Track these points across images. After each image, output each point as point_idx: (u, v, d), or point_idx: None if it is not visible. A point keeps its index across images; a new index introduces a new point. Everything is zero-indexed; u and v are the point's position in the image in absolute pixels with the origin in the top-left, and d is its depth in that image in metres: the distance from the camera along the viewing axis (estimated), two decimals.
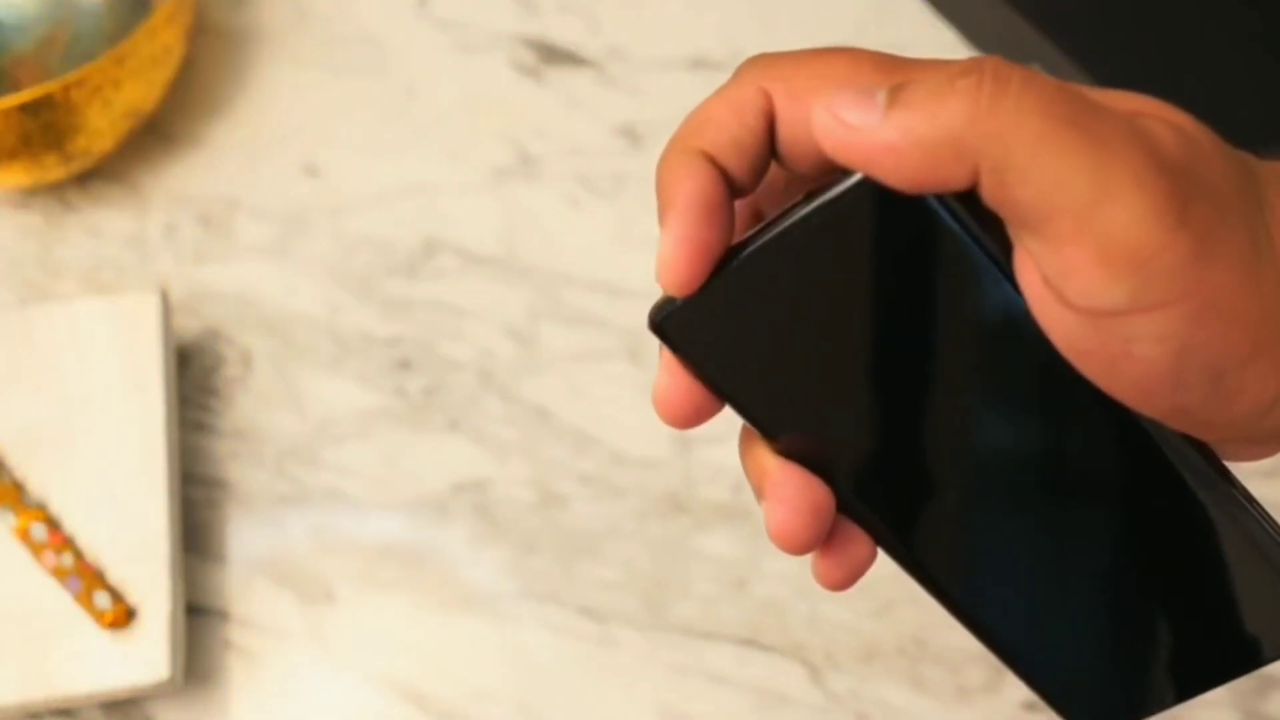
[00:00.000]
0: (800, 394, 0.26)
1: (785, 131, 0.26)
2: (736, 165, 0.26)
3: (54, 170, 0.61)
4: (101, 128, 0.60)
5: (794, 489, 0.27)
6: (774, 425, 0.27)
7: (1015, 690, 0.52)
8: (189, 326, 0.61)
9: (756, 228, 0.25)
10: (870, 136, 0.23)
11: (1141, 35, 0.61)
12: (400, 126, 0.66)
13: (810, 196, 0.24)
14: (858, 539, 0.28)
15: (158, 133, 0.66)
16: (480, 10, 0.69)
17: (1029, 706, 0.51)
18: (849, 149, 0.23)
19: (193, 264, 0.62)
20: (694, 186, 0.25)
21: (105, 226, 0.64)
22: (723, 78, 0.66)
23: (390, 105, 0.67)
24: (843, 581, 0.28)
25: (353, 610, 0.54)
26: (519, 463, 0.57)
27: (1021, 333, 0.24)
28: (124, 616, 0.50)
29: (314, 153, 0.65)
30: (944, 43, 0.66)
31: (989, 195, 0.23)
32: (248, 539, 0.56)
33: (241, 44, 0.69)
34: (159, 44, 0.61)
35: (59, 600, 0.51)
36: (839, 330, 0.25)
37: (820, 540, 0.27)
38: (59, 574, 0.51)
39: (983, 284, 0.24)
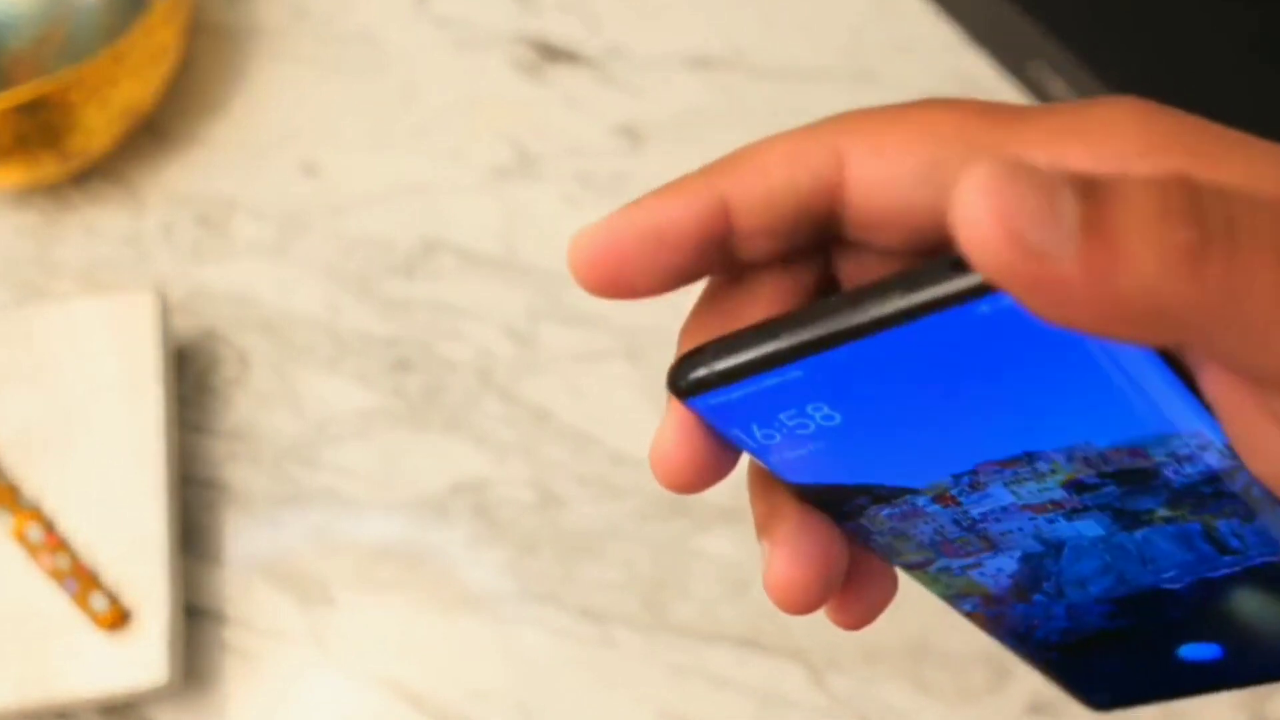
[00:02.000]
0: (851, 462, 0.23)
1: (863, 197, 0.22)
2: (753, 223, 0.22)
3: (51, 169, 0.61)
4: (98, 126, 0.60)
5: (809, 542, 0.23)
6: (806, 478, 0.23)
7: (1018, 692, 0.51)
8: (187, 326, 0.60)
9: (823, 302, 0.21)
10: (1050, 270, 0.17)
11: (1144, 30, 0.61)
12: (399, 125, 0.66)
13: (909, 284, 0.19)
14: (880, 580, 0.25)
15: (155, 132, 0.66)
16: (479, 9, 0.69)
17: (1032, 708, 0.51)
18: (1013, 274, 0.17)
19: (190, 264, 0.62)
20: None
21: (102, 226, 0.63)
22: (723, 76, 0.66)
23: (389, 104, 0.66)
24: (860, 623, 0.25)
25: (351, 611, 0.54)
26: (518, 463, 0.57)
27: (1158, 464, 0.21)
28: (121, 618, 0.50)
29: (312, 152, 0.65)
30: (945, 40, 0.66)
31: (1202, 352, 0.18)
32: (246, 540, 0.55)
33: (239, 43, 0.69)
34: (156, 42, 0.60)
35: (56, 602, 0.51)
36: (919, 421, 0.22)
37: (824, 603, 0.24)
38: (56, 575, 0.51)
39: (1133, 415, 0.20)
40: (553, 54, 0.67)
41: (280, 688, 0.53)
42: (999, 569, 0.25)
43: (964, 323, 0.19)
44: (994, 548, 0.24)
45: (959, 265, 0.19)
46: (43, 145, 0.59)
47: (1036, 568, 0.24)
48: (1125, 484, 0.22)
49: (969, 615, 0.27)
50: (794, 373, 0.21)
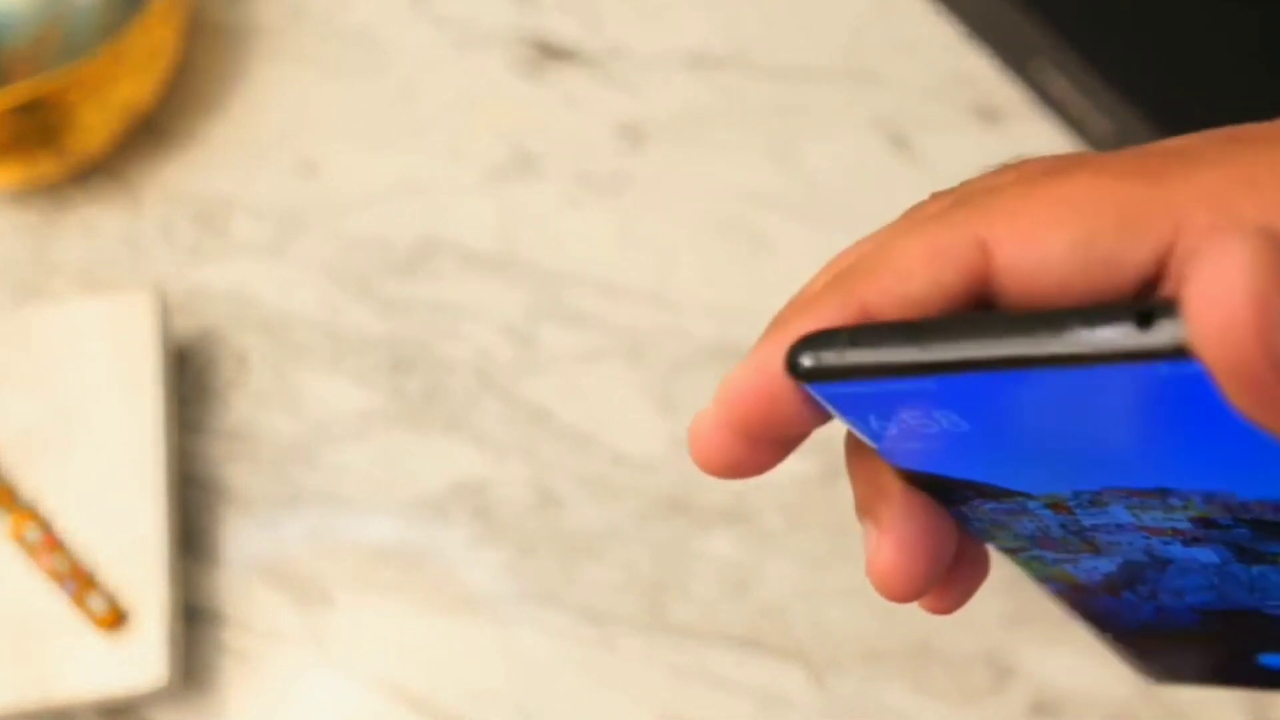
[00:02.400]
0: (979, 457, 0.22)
1: (1015, 283, 0.20)
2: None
3: (49, 169, 0.61)
4: (97, 126, 0.60)
5: (918, 529, 0.22)
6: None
7: (1020, 693, 0.51)
8: (185, 326, 0.60)
9: (978, 317, 0.19)
10: None
11: (1146, 26, 0.61)
12: (398, 124, 0.66)
13: (1086, 324, 0.18)
14: (975, 562, 0.24)
15: (154, 131, 0.66)
16: (479, 7, 0.69)
17: (1035, 709, 0.51)
18: (1241, 375, 0.15)
19: (189, 263, 0.62)
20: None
21: (101, 225, 0.63)
22: (723, 75, 0.65)
23: (388, 103, 0.66)
24: (955, 607, 0.24)
25: (350, 613, 0.54)
26: (518, 464, 0.56)
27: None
28: (119, 619, 0.50)
29: (311, 151, 0.65)
30: (946, 38, 0.66)
31: None
32: (244, 540, 0.55)
33: (238, 42, 0.68)
34: (154, 40, 0.60)
35: (54, 603, 0.51)
36: (1055, 443, 0.20)
37: (929, 590, 0.23)
38: (54, 576, 0.51)
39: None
40: (552, 53, 0.67)
41: (279, 688, 0.52)
42: (1095, 567, 0.24)
43: (1139, 376, 0.18)
44: (1097, 552, 0.23)
45: (1148, 317, 0.17)
46: (41, 144, 0.59)
47: (1136, 574, 0.23)
48: (1260, 530, 0.21)
49: (1050, 593, 0.26)
50: (933, 384, 0.20)
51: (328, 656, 0.53)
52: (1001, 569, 0.53)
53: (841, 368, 0.20)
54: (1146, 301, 0.17)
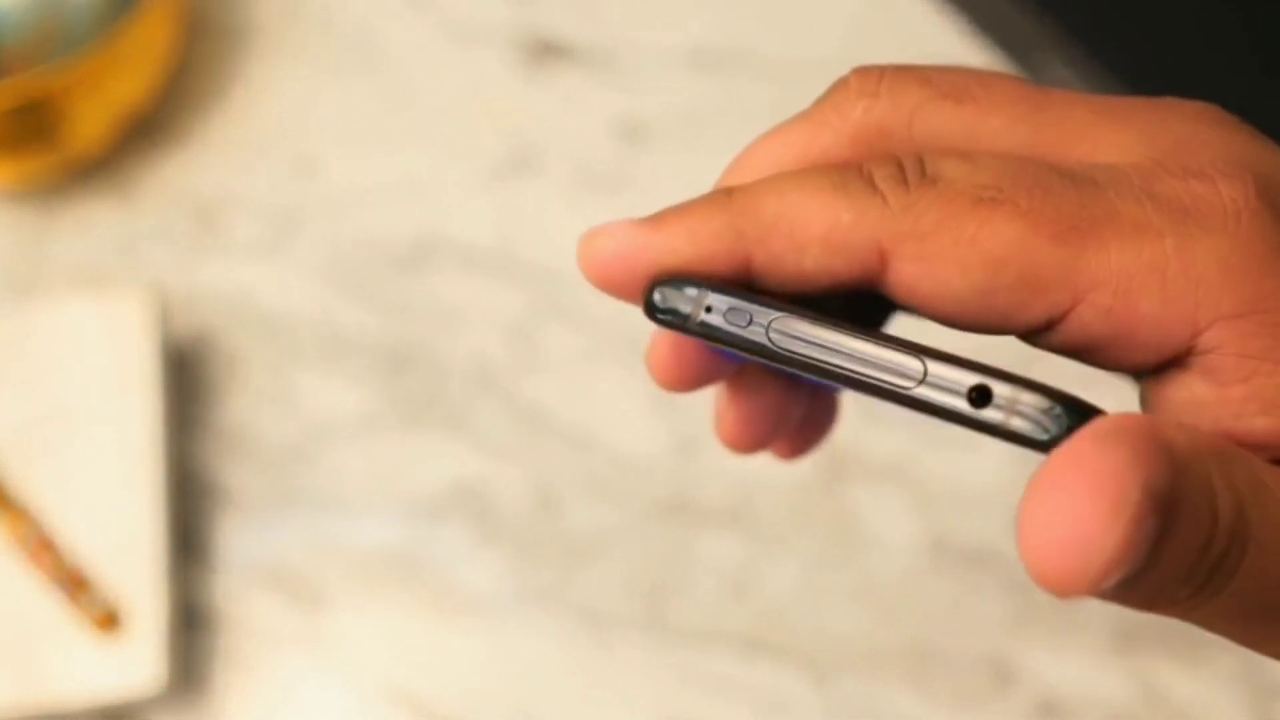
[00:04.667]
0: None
1: (904, 295, 0.21)
2: (776, 285, 0.22)
3: (45, 167, 0.61)
4: (93, 124, 0.60)
5: (755, 403, 0.25)
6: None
7: (1023, 695, 0.51)
8: (182, 326, 0.60)
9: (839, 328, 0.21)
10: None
11: (1151, 18, 0.60)
12: (396, 123, 0.65)
13: (917, 404, 0.20)
14: (823, 415, 0.27)
15: (151, 129, 0.65)
16: (477, 5, 0.68)
17: (1038, 711, 0.50)
18: (1053, 583, 0.17)
19: (186, 262, 0.62)
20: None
21: (97, 224, 0.63)
22: (724, 72, 0.65)
23: (386, 101, 0.66)
24: (799, 455, 0.27)
25: (348, 615, 0.54)
26: (517, 464, 0.56)
27: None
28: (116, 622, 0.50)
29: (309, 150, 0.65)
30: (948, 33, 0.66)
31: None
32: (241, 543, 0.55)
33: (235, 40, 0.68)
34: (148, 35, 0.60)
35: (49, 606, 0.51)
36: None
37: (773, 443, 0.26)
38: (48, 578, 0.50)
39: None
40: (551, 50, 0.67)
41: (277, 691, 0.52)
42: None
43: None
44: None
45: (985, 398, 0.19)
46: (37, 143, 0.58)
47: None
48: None
49: None
50: (776, 367, 0.22)
51: (326, 659, 0.53)
52: (1003, 571, 0.53)
53: (693, 330, 0.22)
54: (985, 382, 0.19)
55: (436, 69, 0.67)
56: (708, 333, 0.21)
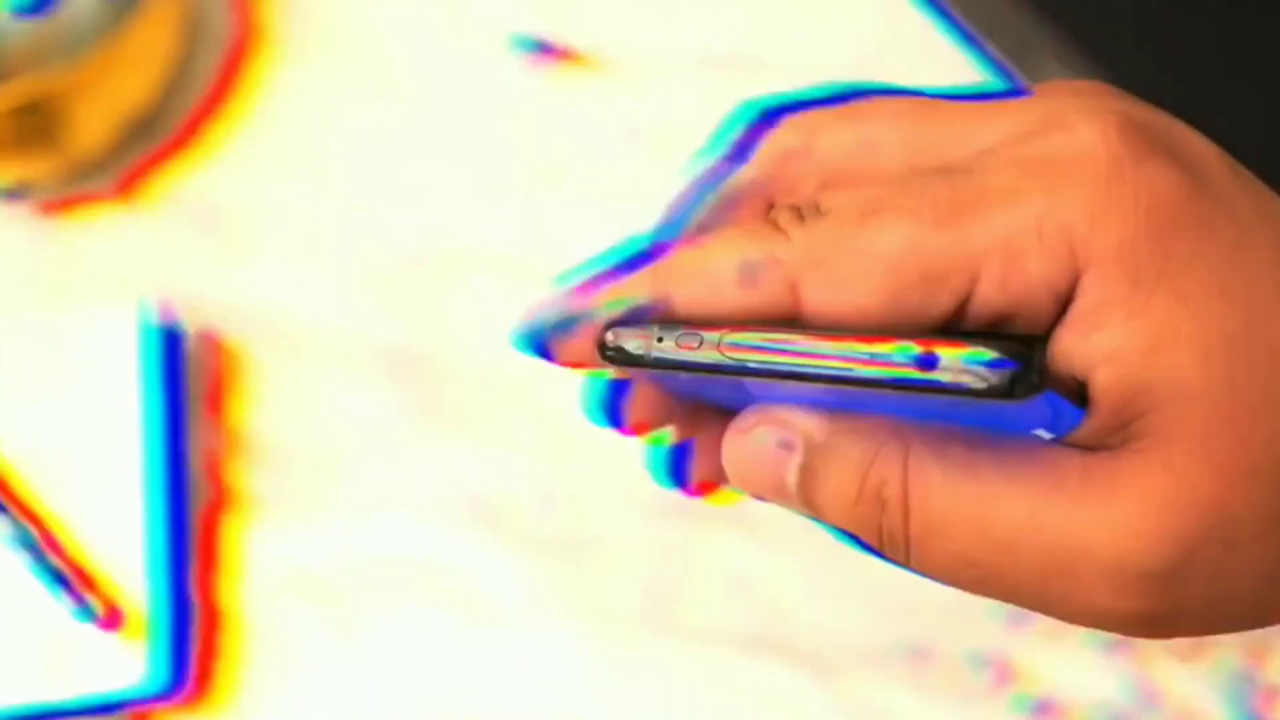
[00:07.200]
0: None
1: (823, 319, 0.23)
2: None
3: (47, 169, 0.61)
4: (94, 125, 0.60)
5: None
6: None
7: (1023, 694, 0.51)
8: (190, 330, 0.60)
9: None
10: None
11: (1150, 20, 0.61)
12: (402, 127, 0.65)
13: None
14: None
15: (156, 132, 0.65)
16: (484, 8, 0.68)
17: (1037, 710, 0.51)
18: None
19: (194, 266, 0.62)
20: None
21: (104, 229, 0.63)
22: (729, 76, 0.65)
23: (392, 105, 0.66)
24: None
25: (359, 618, 0.54)
26: (530, 468, 0.56)
27: None
28: (123, 622, 0.50)
29: (316, 154, 0.65)
30: (951, 36, 0.66)
31: None
32: (254, 547, 0.55)
33: (239, 43, 0.68)
34: (150, 38, 0.60)
35: (57, 606, 0.51)
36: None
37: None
38: (59, 578, 0.51)
39: None
40: (561, 55, 0.67)
41: (284, 696, 0.53)
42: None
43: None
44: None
45: (930, 362, 0.21)
46: (39, 145, 0.59)
47: None
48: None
49: None
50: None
51: (332, 662, 0.53)
52: None
53: (649, 362, 0.24)
54: (930, 346, 0.21)
55: (445, 73, 0.67)
56: (664, 361, 0.23)
